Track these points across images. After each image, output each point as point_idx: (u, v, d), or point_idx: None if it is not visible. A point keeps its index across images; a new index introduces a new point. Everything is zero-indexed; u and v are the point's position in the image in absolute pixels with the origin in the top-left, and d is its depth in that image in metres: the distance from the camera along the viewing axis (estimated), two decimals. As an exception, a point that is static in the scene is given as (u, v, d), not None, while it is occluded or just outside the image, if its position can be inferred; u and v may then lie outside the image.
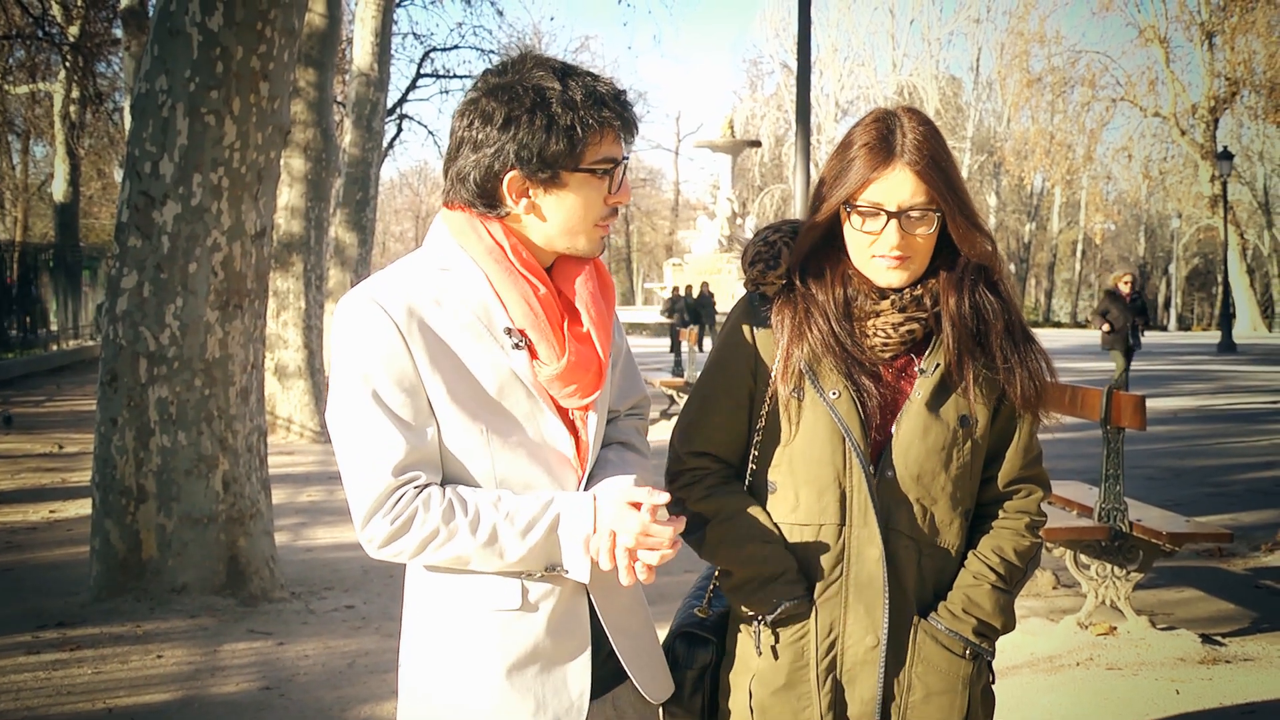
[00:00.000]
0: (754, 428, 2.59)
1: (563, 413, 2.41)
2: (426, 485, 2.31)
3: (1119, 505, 6.74)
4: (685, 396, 17.25)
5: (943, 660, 2.53)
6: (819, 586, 2.52)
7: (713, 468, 2.62)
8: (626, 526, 2.31)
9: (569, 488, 2.42)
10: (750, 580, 2.54)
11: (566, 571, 2.36)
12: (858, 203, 2.48)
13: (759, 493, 2.59)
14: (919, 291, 2.52)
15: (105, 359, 7.31)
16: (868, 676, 2.51)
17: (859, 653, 2.51)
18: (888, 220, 2.46)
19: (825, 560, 2.51)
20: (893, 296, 2.51)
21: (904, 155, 2.47)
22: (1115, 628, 6.60)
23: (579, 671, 2.42)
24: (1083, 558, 6.81)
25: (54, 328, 30.41)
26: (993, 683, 2.64)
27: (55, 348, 29.24)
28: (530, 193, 2.33)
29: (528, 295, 2.34)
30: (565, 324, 2.38)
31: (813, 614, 2.52)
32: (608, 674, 2.48)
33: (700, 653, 2.65)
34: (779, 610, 2.51)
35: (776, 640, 2.54)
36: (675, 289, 40.35)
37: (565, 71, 2.32)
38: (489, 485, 2.36)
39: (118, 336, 7.20)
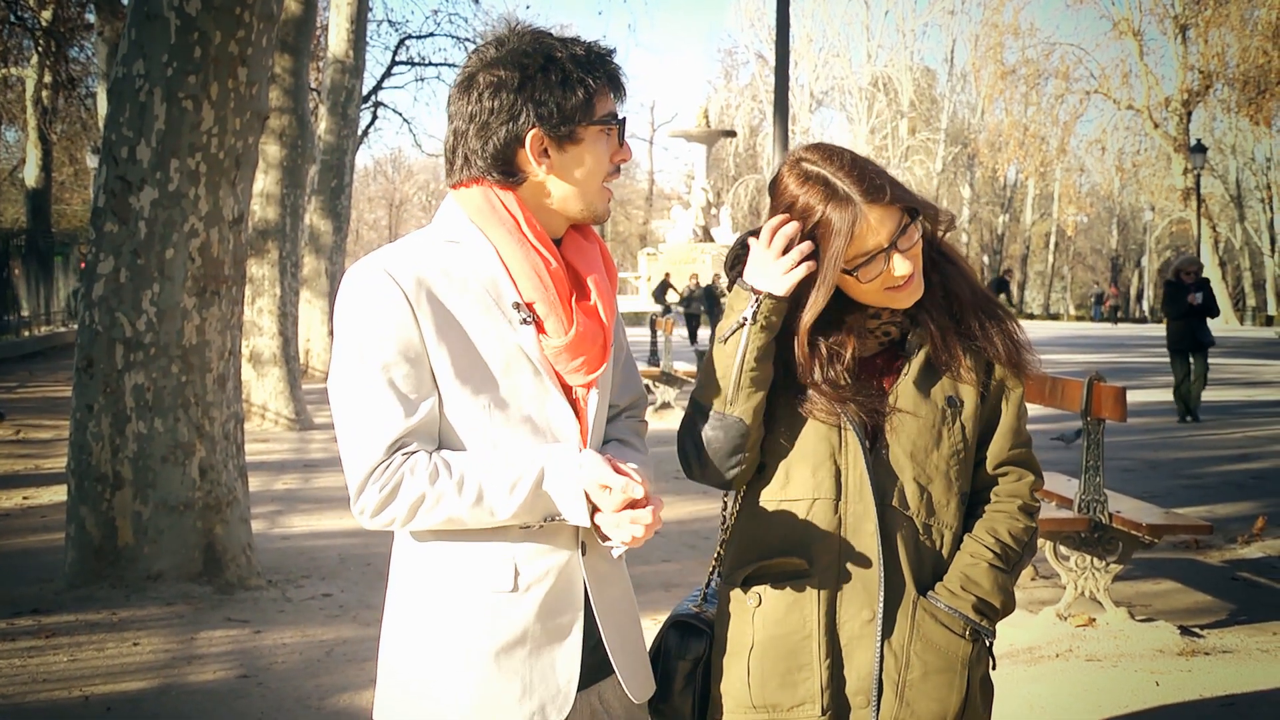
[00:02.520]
0: None
1: (567, 390, 2.40)
2: (415, 452, 2.30)
3: (1099, 497, 6.75)
4: (662, 386, 17.48)
5: (942, 638, 2.53)
6: (815, 559, 2.52)
7: None
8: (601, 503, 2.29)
9: None
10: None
11: (565, 518, 2.32)
12: (855, 266, 2.49)
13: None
14: None
15: (81, 344, 7.24)
16: (865, 650, 2.52)
17: (855, 626, 2.52)
18: (889, 254, 2.48)
19: (821, 533, 2.52)
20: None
21: (858, 196, 2.46)
22: (1094, 619, 6.62)
23: (568, 657, 2.40)
24: (1062, 549, 6.83)
25: (25, 313, 30.18)
26: (993, 668, 2.64)
27: (27, 334, 29.02)
28: (549, 152, 2.35)
29: (539, 268, 2.34)
30: (573, 297, 2.38)
31: (810, 588, 2.52)
32: (594, 664, 2.45)
33: (694, 643, 2.64)
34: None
35: (771, 605, 2.54)
36: (694, 276, 39.78)
37: (560, 37, 2.40)
38: None
39: (94, 322, 7.13)
